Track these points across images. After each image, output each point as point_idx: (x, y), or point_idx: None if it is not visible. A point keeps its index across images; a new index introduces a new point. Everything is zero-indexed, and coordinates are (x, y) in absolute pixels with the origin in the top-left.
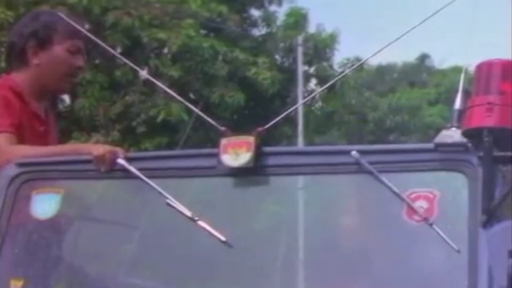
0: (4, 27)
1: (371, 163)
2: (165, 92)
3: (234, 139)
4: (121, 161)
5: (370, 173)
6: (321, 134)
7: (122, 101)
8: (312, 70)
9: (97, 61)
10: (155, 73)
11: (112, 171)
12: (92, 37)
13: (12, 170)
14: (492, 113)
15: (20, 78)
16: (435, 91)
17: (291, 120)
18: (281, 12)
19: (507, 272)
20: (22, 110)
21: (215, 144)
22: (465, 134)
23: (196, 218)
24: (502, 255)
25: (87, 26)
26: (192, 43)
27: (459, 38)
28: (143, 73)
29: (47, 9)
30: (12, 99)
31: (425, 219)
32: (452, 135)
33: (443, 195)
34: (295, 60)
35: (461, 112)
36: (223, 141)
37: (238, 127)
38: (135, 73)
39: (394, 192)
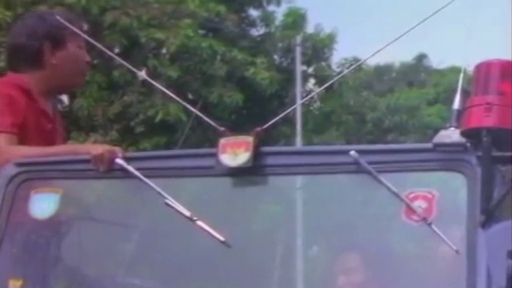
0: (2, 27)
1: (369, 163)
2: (164, 92)
3: (232, 139)
4: (119, 161)
5: (368, 173)
6: (319, 134)
7: (120, 101)
8: (310, 70)
9: (95, 61)
10: (154, 73)
11: (111, 171)
12: (89, 38)
13: (11, 170)
14: (491, 113)
15: (30, 78)
16: (434, 91)
17: (289, 120)
18: (279, 12)
19: (506, 273)
20: (29, 107)
21: (213, 144)
22: (464, 134)
23: (194, 218)
24: (501, 255)
25: (85, 26)
26: (191, 43)
27: (458, 38)
28: (141, 74)
29: (48, 10)
30: (17, 97)
31: (424, 219)
32: (451, 135)
33: (442, 195)
34: (293, 60)
35: (460, 112)
36: (222, 141)
37: (236, 127)
38: (133, 73)
39: (393, 192)
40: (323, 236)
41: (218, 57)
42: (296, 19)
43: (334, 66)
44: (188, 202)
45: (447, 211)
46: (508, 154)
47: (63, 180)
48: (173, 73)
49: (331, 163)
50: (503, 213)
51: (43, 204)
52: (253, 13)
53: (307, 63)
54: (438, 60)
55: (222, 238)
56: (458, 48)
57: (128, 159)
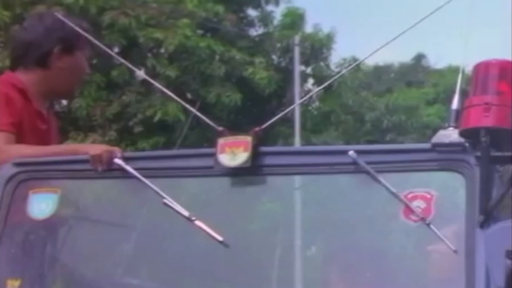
0: (1, 27)
1: (368, 163)
2: (162, 92)
3: (231, 139)
4: (118, 161)
5: (367, 173)
6: (318, 134)
7: (119, 101)
8: (309, 70)
9: (94, 61)
10: (152, 73)
11: (109, 170)
12: (90, 37)
13: (9, 170)
14: (489, 113)
15: (27, 77)
16: (433, 91)
17: (288, 120)
18: (278, 12)
19: (505, 272)
20: (24, 107)
21: (212, 144)
22: (462, 134)
23: (193, 218)
24: (500, 255)
25: (85, 25)
26: (189, 43)
27: (457, 38)
28: (140, 73)
29: (65, 14)
30: (13, 96)
31: (423, 219)
32: (450, 135)
33: (441, 195)
34: (292, 60)
35: (459, 112)
36: (220, 141)
37: (235, 127)
38: (132, 73)
39: (392, 192)
40: (321, 236)
41: (217, 57)
42: (295, 19)
43: (332, 66)
44: (187, 202)
45: (445, 211)
46: (507, 154)
47: (62, 180)
48: (171, 73)
49: (329, 163)
50: (502, 213)
51: (41, 204)
52: (252, 13)
53: (306, 63)
54: (436, 60)
55: (220, 238)
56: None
57: (126, 159)
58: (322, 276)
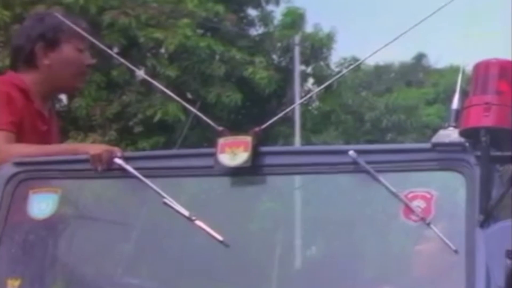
0: (0, 27)
1: (368, 162)
2: (162, 92)
3: (231, 138)
4: (118, 160)
5: (367, 172)
6: (318, 134)
7: (119, 101)
8: (309, 69)
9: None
10: (152, 73)
11: (109, 170)
12: (90, 37)
13: (9, 170)
14: (489, 113)
15: (28, 78)
16: (433, 90)
17: (288, 120)
18: (278, 12)
19: (505, 272)
20: (25, 108)
21: (212, 144)
22: (462, 133)
23: (193, 218)
24: (500, 254)
25: (85, 25)
26: (189, 43)
27: (457, 38)
28: (140, 73)
29: (48, 11)
30: (15, 96)
31: (423, 219)
32: (450, 134)
33: (441, 194)
34: (292, 60)
35: (459, 112)
36: (221, 141)
37: (235, 127)
38: (132, 72)
39: (392, 192)
40: (321, 236)
41: (217, 57)
42: (295, 19)
43: (333, 66)
44: (187, 202)
45: (445, 210)
46: (507, 153)
47: (62, 180)
48: (171, 72)
49: (329, 163)
50: (502, 212)
51: (41, 204)
52: (252, 12)
53: (306, 62)
54: (436, 59)
55: (220, 238)
56: (457, 48)
57: (126, 159)
58: (322, 275)
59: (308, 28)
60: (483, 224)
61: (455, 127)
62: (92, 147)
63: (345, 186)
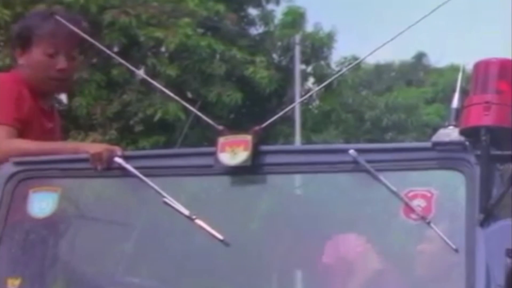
0: (1, 26)
1: (368, 161)
2: (162, 91)
3: (231, 137)
4: (118, 159)
5: (367, 171)
6: (318, 133)
7: (119, 100)
8: (309, 69)
9: (94, 60)
10: (153, 72)
11: (110, 169)
12: (87, 37)
13: (9, 169)
14: (489, 112)
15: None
16: (433, 89)
17: (288, 119)
18: (278, 11)
19: (505, 271)
20: (33, 106)
21: (212, 143)
22: (462, 133)
23: (193, 217)
24: (500, 253)
25: (85, 24)
26: (190, 42)
27: (457, 37)
28: (140, 73)
29: (42, 9)
30: (24, 94)
31: (423, 218)
32: (450, 133)
33: (441, 193)
34: (292, 59)
35: (459, 111)
36: (221, 140)
37: (235, 126)
38: (132, 72)
39: (392, 191)
40: (321, 235)
41: (217, 56)
42: (295, 18)
43: (333, 65)
44: (187, 201)
45: (446, 209)
46: (507, 152)
47: (62, 179)
48: (172, 72)
49: (330, 162)
50: (502, 211)
51: (41, 203)
52: (252, 12)
53: (306, 62)
54: (437, 59)
55: (220, 237)
56: (457, 47)
57: (127, 158)
58: (322, 274)
59: (309, 28)
60: (483, 223)
61: (455, 126)
62: (92, 146)
63: (345, 185)
